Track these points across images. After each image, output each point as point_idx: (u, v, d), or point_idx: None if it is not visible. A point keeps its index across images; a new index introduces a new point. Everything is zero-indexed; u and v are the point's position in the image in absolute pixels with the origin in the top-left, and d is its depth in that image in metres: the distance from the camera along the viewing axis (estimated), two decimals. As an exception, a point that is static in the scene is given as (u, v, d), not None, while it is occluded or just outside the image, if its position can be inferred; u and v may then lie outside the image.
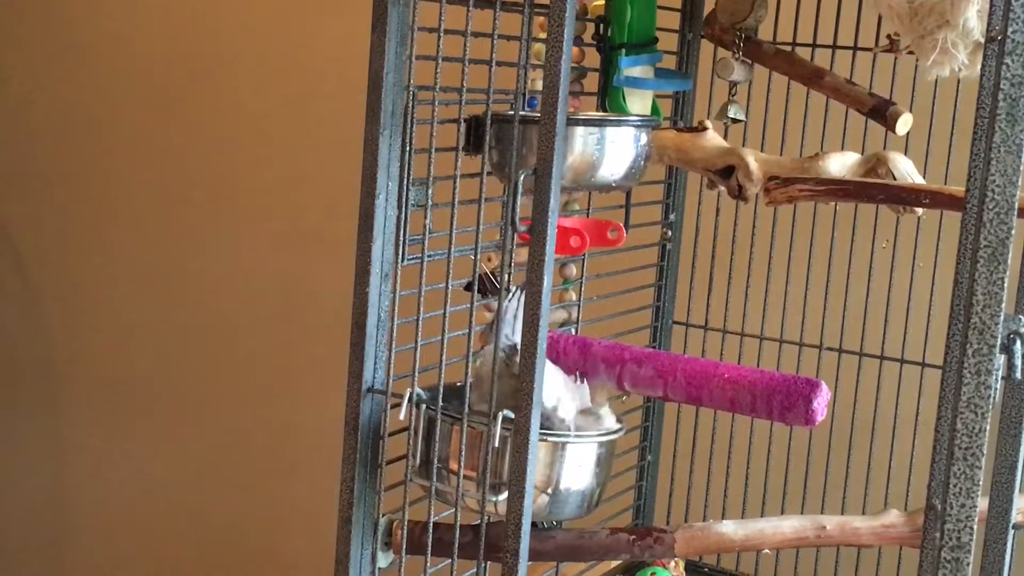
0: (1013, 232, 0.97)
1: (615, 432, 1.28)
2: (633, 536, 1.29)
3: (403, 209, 1.22)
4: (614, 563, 1.57)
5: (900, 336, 1.57)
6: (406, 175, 1.21)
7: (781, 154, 1.46)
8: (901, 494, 1.55)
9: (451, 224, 1.20)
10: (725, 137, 1.41)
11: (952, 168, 1.44)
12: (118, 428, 2.69)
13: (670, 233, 1.61)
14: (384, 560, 1.27)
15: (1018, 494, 1.21)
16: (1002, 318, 0.98)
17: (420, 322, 1.23)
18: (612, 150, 1.24)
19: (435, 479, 1.22)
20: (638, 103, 1.43)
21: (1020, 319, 1.00)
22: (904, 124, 1.37)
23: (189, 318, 2.60)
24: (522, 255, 1.18)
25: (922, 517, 1.06)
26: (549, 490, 1.22)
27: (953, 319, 1.00)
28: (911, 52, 1.30)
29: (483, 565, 1.23)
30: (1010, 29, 0.95)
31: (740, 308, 1.59)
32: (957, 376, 0.98)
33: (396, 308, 1.24)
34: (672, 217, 1.61)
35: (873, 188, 1.23)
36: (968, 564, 0.99)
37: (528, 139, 1.18)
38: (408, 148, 1.21)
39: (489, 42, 1.17)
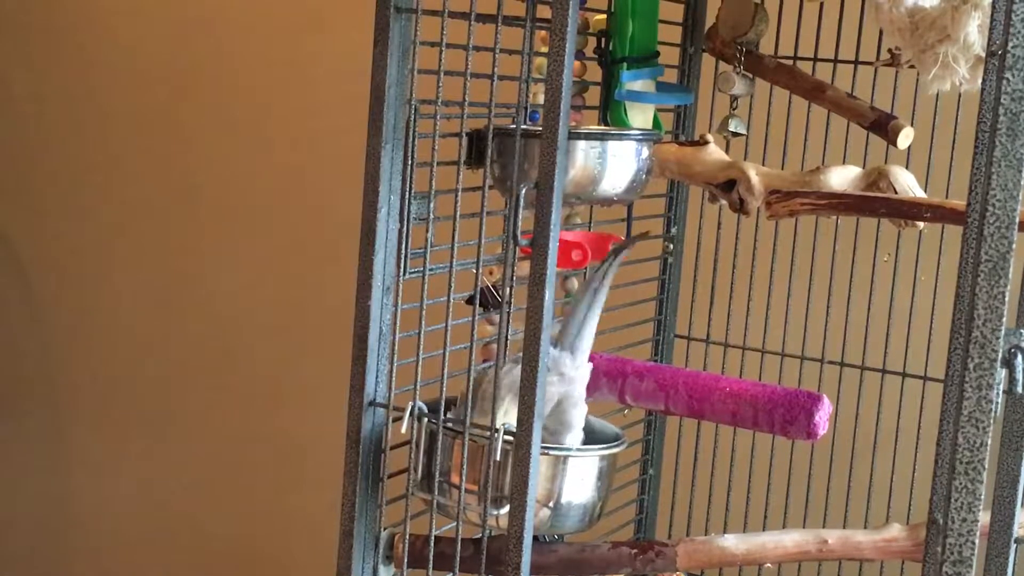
0: (1014, 246, 0.97)
1: (616, 445, 1.28)
2: (635, 550, 1.29)
3: (405, 223, 1.22)
4: (616, 577, 1.57)
5: (902, 350, 1.57)
6: (408, 188, 1.21)
7: (782, 168, 1.46)
8: (903, 508, 1.55)
9: (453, 238, 1.20)
10: (726, 151, 1.42)
11: (953, 182, 1.44)
12: (120, 438, 2.69)
13: (672, 247, 1.62)
14: (386, 573, 1.27)
15: (1020, 508, 1.21)
16: (1003, 332, 0.98)
17: (422, 335, 1.23)
18: (614, 164, 1.24)
19: (436, 492, 1.22)
20: (640, 117, 1.43)
21: (1021, 333, 1.00)
22: (905, 138, 1.37)
23: (191, 329, 2.60)
24: (524, 269, 1.18)
25: (924, 531, 1.06)
26: (551, 504, 1.22)
27: (954, 333, 1.00)
28: (912, 66, 1.30)
29: (484, 579, 1.23)
30: (1010, 44, 0.96)
31: (742, 321, 1.59)
32: (958, 390, 0.98)
33: (398, 321, 1.24)
34: (674, 231, 1.61)
35: (874, 202, 1.23)
36: (970, 578, 1.00)
37: (530, 153, 1.19)
38: (410, 162, 1.21)
39: (491, 56, 1.17)
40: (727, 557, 1.30)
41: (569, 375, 1.25)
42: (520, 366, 1.17)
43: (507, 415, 1.19)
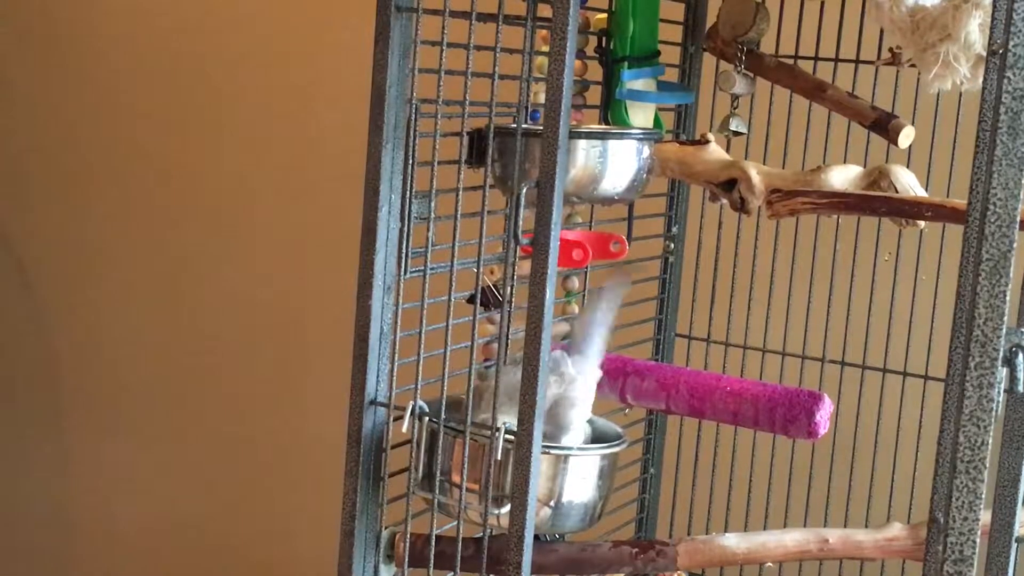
0: (1015, 245, 0.97)
1: (617, 445, 1.28)
2: (636, 549, 1.29)
3: (406, 222, 1.22)
4: (617, 576, 1.57)
5: (902, 349, 1.57)
6: (409, 188, 1.21)
7: (783, 167, 1.47)
8: (904, 507, 1.55)
9: (454, 237, 1.20)
10: (727, 150, 1.41)
11: (954, 181, 1.44)
12: (120, 438, 2.69)
13: (672, 246, 1.62)
14: (387, 573, 1.27)
15: (1021, 507, 1.21)
16: (1004, 331, 0.98)
17: (423, 334, 1.23)
18: (614, 163, 1.24)
19: (437, 492, 1.22)
20: (640, 116, 1.43)
21: (1022, 332, 1.00)
22: (906, 137, 1.37)
23: (192, 330, 2.60)
24: (524, 268, 1.18)
25: (925, 530, 1.06)
26: (551, 503, 1.22)
27: (955, 332, 1.00)
28: (913, 65, 1.30)
29: (485, 578, 1.23)
30: (1011, 43, 0.96)
31: (743, 321, 1.59)
32: (959, 389, 0.98)
33: (399, 321, 1.24)
34: (675, 230, 1.61)
35: (875, 201, 1.23)
36: (971, 577, 1.00)
37: (531, 152, 1.18)
38: (411, 161, 1.21)
39: (491, 55, 1.17)
40: (728, 556, 1.30)
41: (569, 375, 1.25)
42: (518, 368, 1.17)
43: (506, 415, 1.19)
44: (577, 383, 1.25)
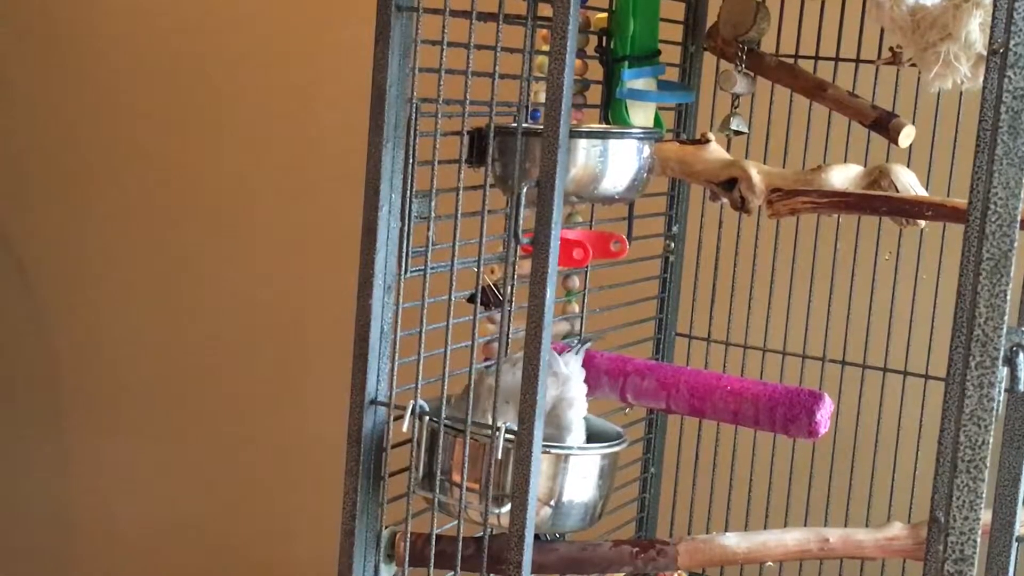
0: (1015, 244, 0.97)
1: (618, 444, 1.27)
2: (636, 548, 1.29)
3: (406, 221, 1.22)
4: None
5: (903, 348, 1.57)
6: (409, 187, 1.21)
7: (784, 166, 1.46)
8: (904, 506, 1.55)
9: (454, 236, 1.20)
10: (728, 149, 1.41)
11: (954, 180, 1.44)
12: (120, 438, 2.69)
13: (673, 245, 1.62)
14: (387, 572, 1.27)
15: (1022, 506, 1.21)
16: (1005, 330, 0.98)
17: (423, 334, 1.23)
18: (615, 162, 1.24)
19: (438, 491, 1.22)
20: (641, 115, 1.43)
21: (1023, 331, 1.00)
22: (907, 136, 1.37)
23: (192, 330, 2.60)
24: (525, 267, 1.18)
25: (925, 530, 1.06)
26: (552, 502, 1.22)
27: (956, 331, 1.00)
28: (913, 64, 1.30)
29: (486, 577, 1.23)
30: (1012, 42, 0.96)
31: (743, 320, 1.59)
32: (960, 388, 0.98)
33: (399, 320, 1.24)
34: (675, 229, 1.61)
35: (876, 200, 1.23)
36: (971, 577, 1.00)
37: (531, 151, 1.18)
38: (411, 160, 1.21)
39: (492, 55, 1.17)
40: (728, 556, 1.30)
41: (564, 374, 1.25)
42: (514, 369, 1.17)
43: (502, 416, 1.19)
44: (572, 382, 1.25)
